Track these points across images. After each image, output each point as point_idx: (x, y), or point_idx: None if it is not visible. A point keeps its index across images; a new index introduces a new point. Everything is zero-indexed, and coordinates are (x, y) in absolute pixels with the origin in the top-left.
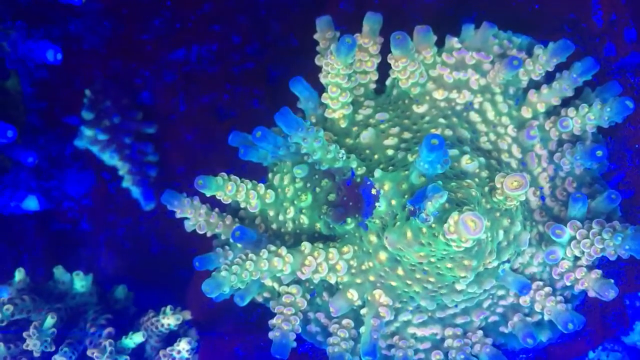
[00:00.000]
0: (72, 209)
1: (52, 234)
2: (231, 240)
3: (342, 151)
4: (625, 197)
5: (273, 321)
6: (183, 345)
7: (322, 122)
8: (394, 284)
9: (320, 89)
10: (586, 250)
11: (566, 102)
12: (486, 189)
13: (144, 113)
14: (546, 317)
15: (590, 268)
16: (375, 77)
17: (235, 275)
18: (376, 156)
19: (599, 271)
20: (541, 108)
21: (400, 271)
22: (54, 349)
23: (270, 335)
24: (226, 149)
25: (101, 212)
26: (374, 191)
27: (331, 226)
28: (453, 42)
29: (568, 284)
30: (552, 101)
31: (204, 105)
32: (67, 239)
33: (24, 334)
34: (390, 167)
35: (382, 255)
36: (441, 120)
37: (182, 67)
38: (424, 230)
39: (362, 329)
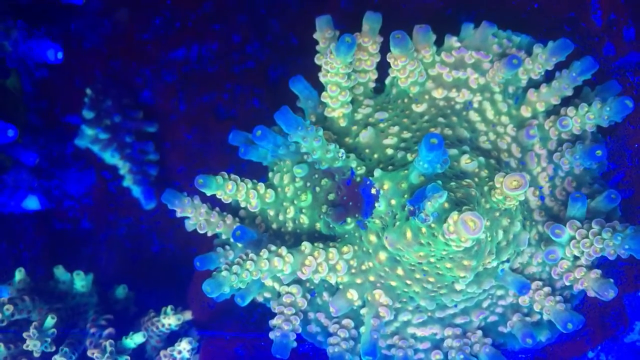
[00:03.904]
0: (72, 208)
1: (53, 233)
2: (232, 240)
3: (342, 150)
4: (624, 196)
5: (273, 321)
6: (184, 346)
7: (321, 121)
8: (393, 283)
9: (320, 88)
10: (585, 250)
11: (566, 102)
12: (485, 188)
13: (145, 112)
14: (545, 317)
15: (589, 268)
16: (374, 76)
17: (235, 275)
18: (376, 155)
19: (599, 271)
20: (541, 107)
21: (400, 271)
22: (54, 349)
23: (271, 335)
24: (226, 148)
25: (102, 211)
26: (373, 191)
27: (331, 226)
28: (452, 41)
29: (567, 283)
30: (552, 100)
31: (204, 105)
32: (67, 238)
33: (24, 335)
34: (390, 167)
35: (382, 255)
36: (440, 119)
37: (182, 67)
38: (424, 230)
39: (362, 329)
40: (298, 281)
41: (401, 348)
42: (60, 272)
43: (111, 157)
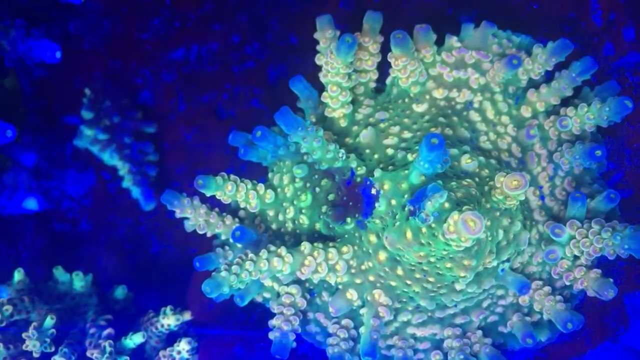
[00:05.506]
0: (72, 209)
1: (52, 234)
2: (231, 240)
3: (342, 151)
4: (624, 196)
5: (273, 321)
6: (183, 346)
7: (322, 122)
8: (393, 283)
9: (320, 88)
10: (585, 249)
11: (565, 102)
12: (486, 188)
13: (144, 113)
14: (545, 317)
15: (589, 267)
16: (375, 76)
17: (235, 275)
18: (376, 156)
19: (599, 270)
20: (541, 107)
21: (399, 271)
22: (53, 349)
23: (270, 335)
24: (226, 148)
25: (101, 212)
26: (373, 191)
27: (331, 226)
28: (453, 41)
29: (567, 283)
30: (552, 100)
31: (203, 105)
32: (66, 239)
33: (24, 335)
34: (390, 167)
35: (382, 255)
36: (441, 119)
37: (182, 67)
38: (424, 230)
39: (362, 329)
40: (297, 281)
41: (401, 348)
42: (59, 272)
43: (110, 158)
